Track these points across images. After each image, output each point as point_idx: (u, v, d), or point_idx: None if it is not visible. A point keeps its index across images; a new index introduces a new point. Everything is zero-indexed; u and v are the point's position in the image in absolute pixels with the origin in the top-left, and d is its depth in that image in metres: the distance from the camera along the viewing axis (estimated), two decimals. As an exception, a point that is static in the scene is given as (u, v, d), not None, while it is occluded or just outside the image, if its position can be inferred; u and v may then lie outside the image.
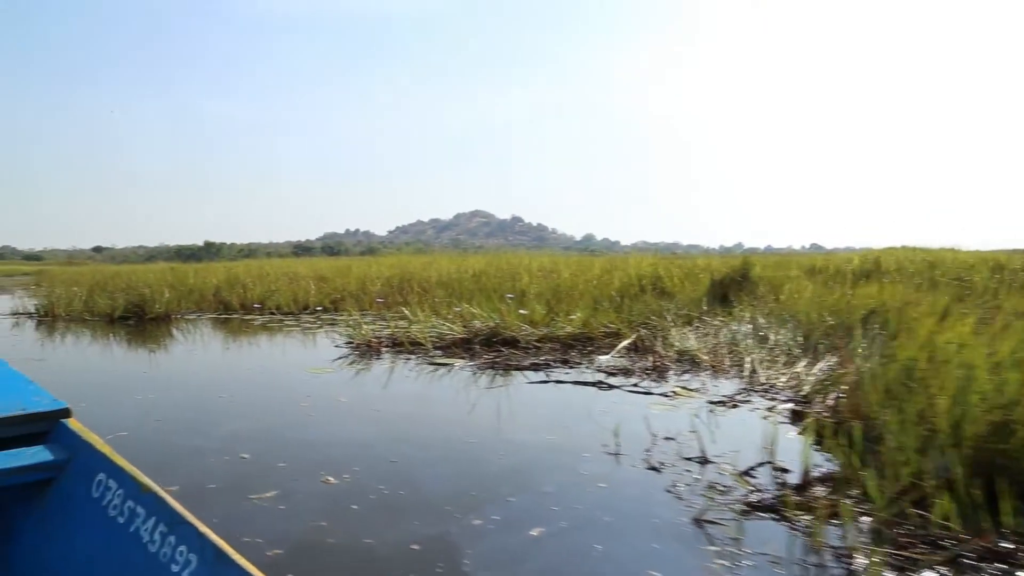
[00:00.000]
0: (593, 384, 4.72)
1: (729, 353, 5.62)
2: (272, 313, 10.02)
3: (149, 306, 9.36)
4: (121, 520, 1.36)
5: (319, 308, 10.22)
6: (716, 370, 5.11)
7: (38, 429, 1.69)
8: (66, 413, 1.72)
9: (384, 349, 6.28)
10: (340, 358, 5.91)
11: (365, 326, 6.84)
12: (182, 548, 1.21)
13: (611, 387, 4.64)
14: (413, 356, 5.96)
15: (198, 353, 6.63)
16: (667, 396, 4.35)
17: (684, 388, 4.57)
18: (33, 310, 10.15)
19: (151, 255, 67.88)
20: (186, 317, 9.79)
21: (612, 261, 14.19)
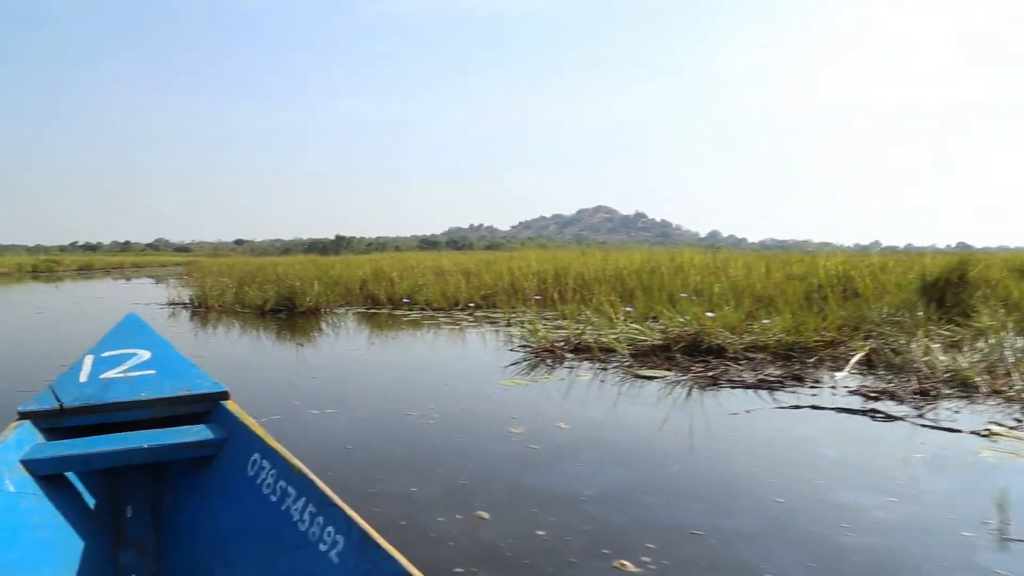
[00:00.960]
0: (862, 412, 3.60)
1: (1006, 375, 4.33)
2: (422, 309, 9.42)
3: (299, 299, 8.94)
4: (273, 498, 1.42)
5: (471, 304, 9.52)
6: (999, 396, 3.88)
7: (201, 409, 1.85)
8: (225, 395, 1.87)
9: (567, 355, 5.39)
10: (516, 363, 5.07)
11: (541, 327, 5.98)
12: (330, 529, 1.22)
13: (889, 417, 3.51)
14: (604, 365, 5.01)
15: (360, 351, 5.94)
16: (982, 435, 3.17)
17: (997, 424, 3.37)
18: (188, 301, 10.05)
19: (287, 248, 71.08)
20: (334, 311, 9.34)
21: (778, 258, 12.72)
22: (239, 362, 5.57)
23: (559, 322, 6.67)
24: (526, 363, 5.11)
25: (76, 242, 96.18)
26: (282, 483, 1.43)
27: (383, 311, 9.35)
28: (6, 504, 1.46)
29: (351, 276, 11.30)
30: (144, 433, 1.71)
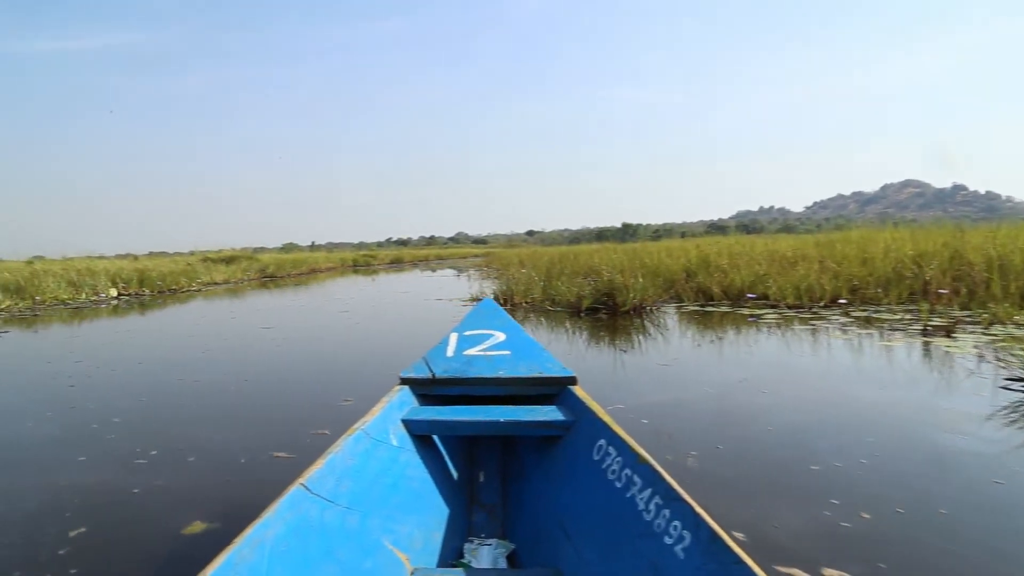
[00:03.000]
0: None
1: None
2: (773, 305, 7.29)
3: (621, 295, 7.30)
4: (618, 485, 1.42)
5: (840, 300, 7.17)
6: None
7: (550, 391, 1.98)
8: (573, 380, 1.97)
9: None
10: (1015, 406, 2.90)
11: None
12: (676, 523, 1.19)
13: None
14: None
15: (730, 370, 4.07)
16: None
17: None
18: (492, 296, 9.04)
19: (575, 237, 71.90)
20: (660, 308, 7.59)
21: None
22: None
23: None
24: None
25: (390, 238, 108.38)
26: (627, 471, 1.42)
27: (720, 308, 7.38)
28: (390, 456, 1.71)
29: (673, 266, 9.46)
30: (500, 408, 1.86)
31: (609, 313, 7.26)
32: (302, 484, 1.38)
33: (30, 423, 3.38)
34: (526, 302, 8.37)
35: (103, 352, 5.73)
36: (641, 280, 7.66)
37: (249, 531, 1.18)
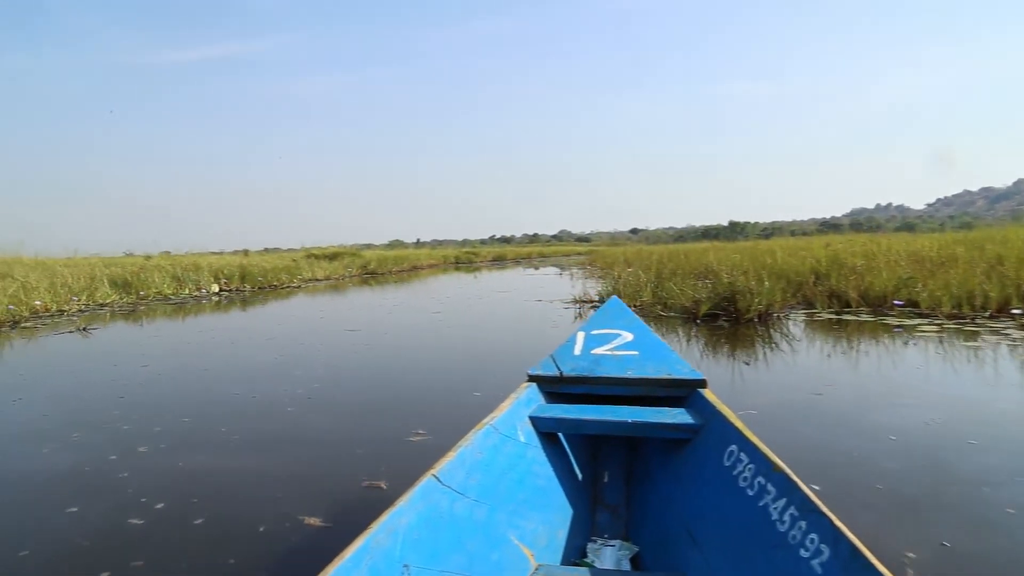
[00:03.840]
0: None
1: None
2: (924, 315, 6.28)
3: (743, 300, 6.46)
4: (750, 493, 1.36)
5: (1013, 310, 6.09)
6: None
7: (678, 394, 1.91)
8: (702, 383, 1.89)
9: None
10: None
11: None
12: (813, 536, 1.12)
13: None
14: None
15: (916, 407, 3.27)
16: None
17: None
18: (597, 299, 8.37)
19: (679, 235, 69.72)
20: (788, 315, 6.71)
21: None
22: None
23: None
24: None
25: (494, 235, 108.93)
26: (760, 479, 1.35)
27: (860, 316, 6.44)
28: (518, 451, 1.71)
29: (799, 267, 8.48)
30: (627, 408, 1.82)
31: (730, 320, 6.44)
32: (434, 475, 1.39)
33: (48, 448, 2.96)
34: (635, 305, 7.65)
35: (171, 357, 5.47)
36: (767, 283, 6.78)
37: (384, 518, 1.19)
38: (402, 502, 1.26)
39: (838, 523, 1.10)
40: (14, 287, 9.29)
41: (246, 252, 24.06)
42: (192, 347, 5.95)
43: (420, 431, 2.93)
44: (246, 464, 2.65)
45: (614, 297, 2.87)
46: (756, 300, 6.38)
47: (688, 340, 5.42)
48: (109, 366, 5.01)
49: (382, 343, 5.90)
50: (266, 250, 29.75)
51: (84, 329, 7.21)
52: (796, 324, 6.16)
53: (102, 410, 3.59)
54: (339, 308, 10.15)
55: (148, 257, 17.25)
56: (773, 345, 5.11)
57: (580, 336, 2.34)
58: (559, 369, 2.04)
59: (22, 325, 8.01)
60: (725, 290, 6.68)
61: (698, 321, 6.51)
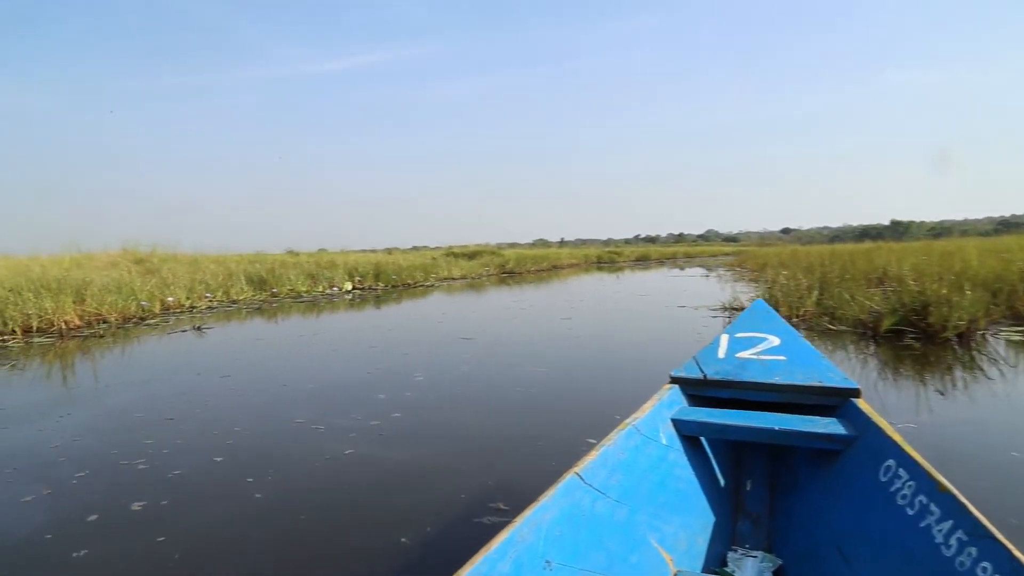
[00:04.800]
0: None
1: None
2: None
3: (938, 313, 5.29)
4: (910, 512, 1.28)
5: None
6: None
7: (829, 403, 1.79)
8: (856, 393, 1.76)
9: None
10: None
11: None
12: (986, 565, 1.03)
13: None
14: None
15: None
16: None
17: None
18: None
19: (835, 235, 64.94)
20: (996, 332, 5.47)
21: None
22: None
23: None
24: None
25: (638, 235, 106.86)
26: (922, 498, 1.27)
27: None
28: (659, 453, 1.68)
29: (1003, 271, 7.04)
30: (773, 415, 1.74)
31: (921, 338, 5.31)
32: (577, 473, 1.38)
33: (34, 494, 2.55)
34: (796, 316, 6.61)
35: (258, 367, 5.13)
36: (968, 292, 5.55)
37: (529, 512, 1.20)
38: (545, 498, 1.26)
39: (1017, 553, 0.99)
40: (152, 283, 9.61)
41: (390, 251, 24.62)
42: (286, 354, 5.61)
43: (497, 503, 2.21)
44: (245, 536, 2.04)
45: (759, 300, 2.76)
46: (955, 314, 5.21)
47: (866, 364, 4.42)
48: (191, 375, 4.76)
49: (493, 358, 5.20)
50: (414, 248, 30.29)
51: (199, 328, 7.21)
52: (1010, 347, 4.95)
53: (128, 441, 3.09)
54: (463, 309, 9.75)
55: (295, 254, 17.85)
56: (979, 372, 4.02)
57: (724, 339, 2.23)
58: (703, 372, 1.98)
59: (147, 321, 8.23)
60: (913, 300, 5.53)
61: (877, 338, 5.42)
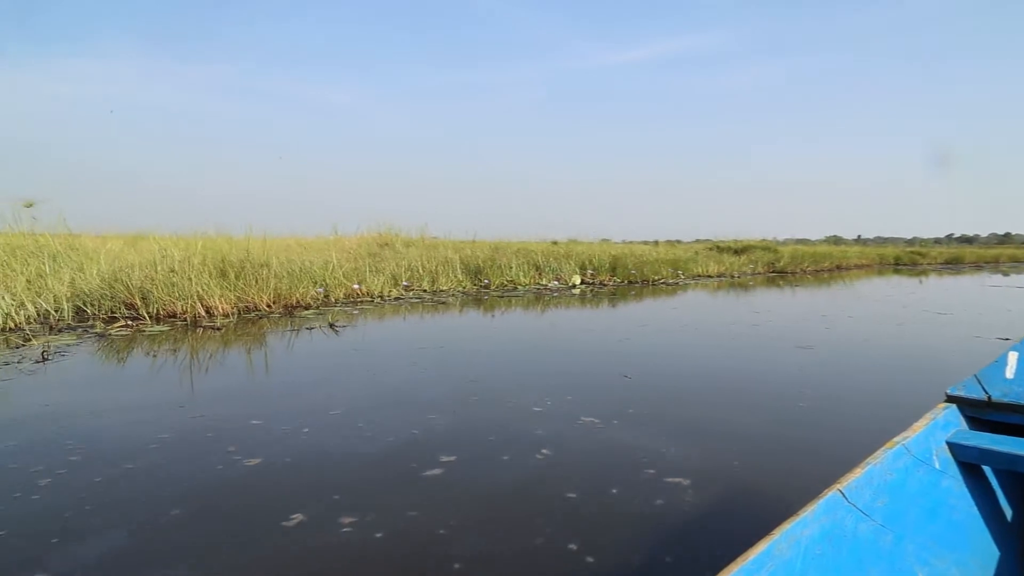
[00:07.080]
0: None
1: None
2: None
3: None
4: None
5: None
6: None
7: None
8: None
9: None
10: None
11: None
12: None
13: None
14: None
15: None
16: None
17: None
18: None
19: None
20: None
21: None
22: None
23: None
24: None
25: (951, 234, 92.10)
26: None
27: None
28: (931, 479, 1.48)
29: None
30: None
31: None
32: (839, 490, 1.24)
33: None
34: None
35: (338, 392, 3.83)
36: None
37: (787, 526, 1.09)
38: (805, 513, 1.13)
39: None
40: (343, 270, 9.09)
41: (656, 242, 23.12)
42: (391, 380, 4.20)
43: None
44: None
45: None
46: None
47: None
48: (243, 402, 3.51)
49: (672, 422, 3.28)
50: (668, 241, 28.28)
51: (332, 326, 6.22)
52: None
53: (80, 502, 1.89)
54: (698, 318, 7.68)
55: (555, 243, 17.01)
56: None
57: (1012, 357, 1.77)
58: (986, 392, 1.64)
59: (315, 308, 7.51)
60: None
61: None
